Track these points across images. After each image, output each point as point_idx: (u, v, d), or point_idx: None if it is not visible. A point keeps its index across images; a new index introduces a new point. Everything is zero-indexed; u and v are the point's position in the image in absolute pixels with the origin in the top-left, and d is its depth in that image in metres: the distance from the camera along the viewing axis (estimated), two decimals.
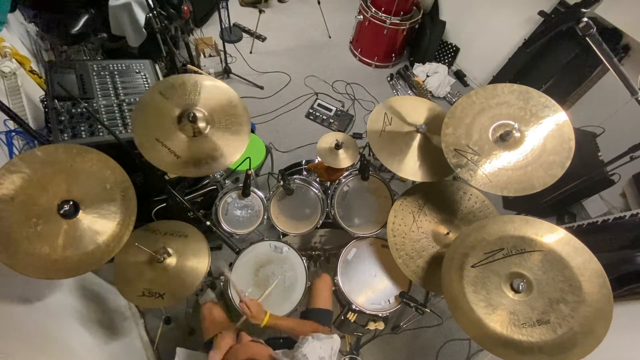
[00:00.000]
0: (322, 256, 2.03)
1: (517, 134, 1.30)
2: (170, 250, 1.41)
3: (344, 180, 1.75)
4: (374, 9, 3.22)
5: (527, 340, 1.09)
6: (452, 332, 2.18)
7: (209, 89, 1.36)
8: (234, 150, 1.33)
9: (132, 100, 1.71)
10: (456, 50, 3.58)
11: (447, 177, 1.53)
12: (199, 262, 1.42)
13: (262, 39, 3.57)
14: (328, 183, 1.87)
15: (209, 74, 1.96)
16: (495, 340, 1.11)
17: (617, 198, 2.69)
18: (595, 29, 1.14)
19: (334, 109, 3.09)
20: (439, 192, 1.61)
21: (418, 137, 1.56)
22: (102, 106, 1.65)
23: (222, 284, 1.59)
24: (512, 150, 1.30)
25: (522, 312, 1.12)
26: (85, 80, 1.68)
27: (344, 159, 1.71)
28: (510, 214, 2.59)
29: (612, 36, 2.40)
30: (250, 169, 1.61)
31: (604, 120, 2.56)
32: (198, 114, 1.28)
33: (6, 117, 1.25)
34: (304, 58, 3.50)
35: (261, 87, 3.16)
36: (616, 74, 1.20)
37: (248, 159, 1.71)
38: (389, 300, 1.62)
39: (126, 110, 1.68)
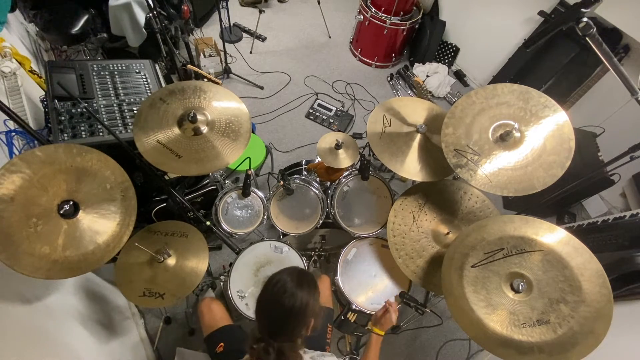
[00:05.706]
0: (322, 256, 2.03)
1: (517, 134, 1.30)
2: (170, 251, 1.41)
3: (344, 180, 1.75)
4: (374, 9, 3.22)
5: (527, 340, 1.09)
6: (452, 332, 2.18)
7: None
8: (231, 151, 1.34)
9: (132, 100, 1.71)
10: (456, 50, 3.58)
11: (448, 176, 1.53)
12: (199, 262, 1.43)
13: (262, 39, 3.57)
14: (328, 183, 1.87)
15: (209, 73, 1.97)
16: (495, 340, 1.11)
17: (617, 198, 2.69)
18: (595, 29, 1.14)
19: (334, 109, 3.08)
20: (439, 192, 1.61)
21: (418, 137, 1.56)
22: (102, 106, 1.65)
23: (222, 284, 1.59)
24: (512, 150, 1.30)
25: (522, 312, 1.13)
26: (85, 80, 1.68)
27: (344, 159, 1.71)
28: (510, 214, 2.58)
29: (612, 36, 2.40)
30: (250, 169, 1.61)
31: (604, 120, 2.56)
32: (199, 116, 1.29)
33: (6, 117, 1.24)
34: (304, 58, 3.50)
35: (261, 87, 3.16)
36: (616, 74, 1.20)
37: (248, 159, 1.71)
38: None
39: (126, 110, 1.67)
